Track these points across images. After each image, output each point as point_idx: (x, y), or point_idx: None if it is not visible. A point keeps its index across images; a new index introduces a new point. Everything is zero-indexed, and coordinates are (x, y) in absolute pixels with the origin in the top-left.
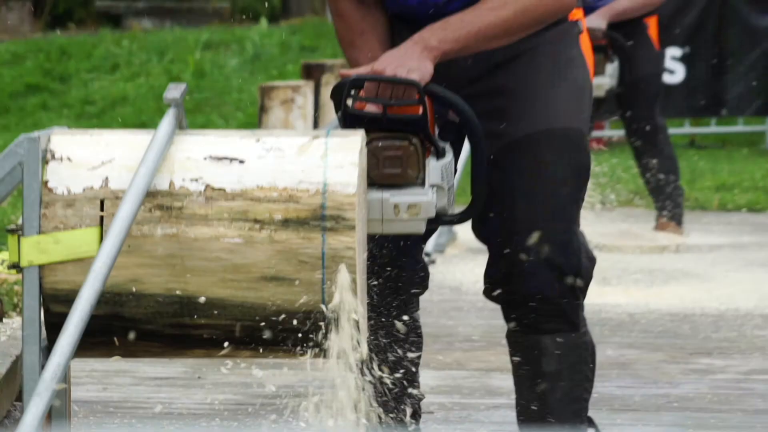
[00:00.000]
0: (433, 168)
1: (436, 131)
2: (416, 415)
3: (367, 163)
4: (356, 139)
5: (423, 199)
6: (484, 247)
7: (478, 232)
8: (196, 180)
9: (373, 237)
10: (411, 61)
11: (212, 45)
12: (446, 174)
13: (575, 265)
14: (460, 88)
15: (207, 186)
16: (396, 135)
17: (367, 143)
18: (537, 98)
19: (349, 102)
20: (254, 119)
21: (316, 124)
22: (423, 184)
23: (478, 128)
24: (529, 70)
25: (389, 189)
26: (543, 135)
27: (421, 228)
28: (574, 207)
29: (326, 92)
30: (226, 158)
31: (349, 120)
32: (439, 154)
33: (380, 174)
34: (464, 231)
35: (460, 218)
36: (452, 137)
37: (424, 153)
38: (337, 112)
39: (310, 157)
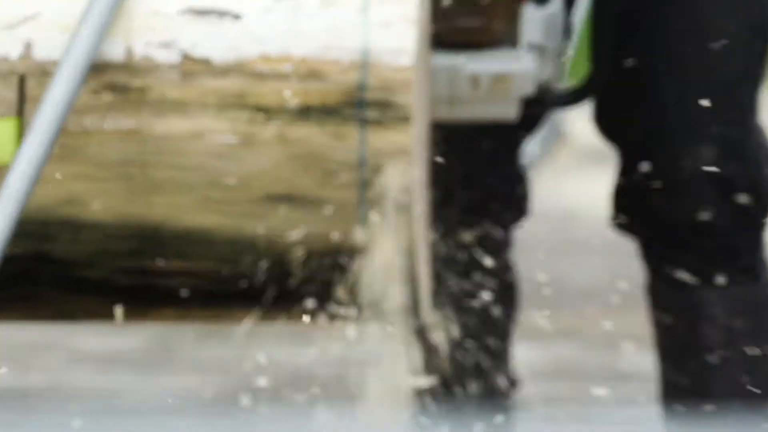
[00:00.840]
0: (533, 18)
1: None
2: (506, 411)
3: (430, 12)
4: None
5: (516, 66)
6: (609, 151)
7: (604, 124)
8: (167, 46)
9: (440, 129)
10: None
11: None
12: (552, 28)
13: (754, 176)
14: None
15: (184, 55)
16: None
17: None
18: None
19: None
20: None
21: None
22: (516, 42)
23: None
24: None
25: (464, 51)
26: None
27: (512, 112)
28: (751, 89)
29: None
30: (212, 12)
31: None
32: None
33: (450, 27)
34: (581, 125)
35: (573, 98)
36: None
37: None
38: None
39: (341, 8)
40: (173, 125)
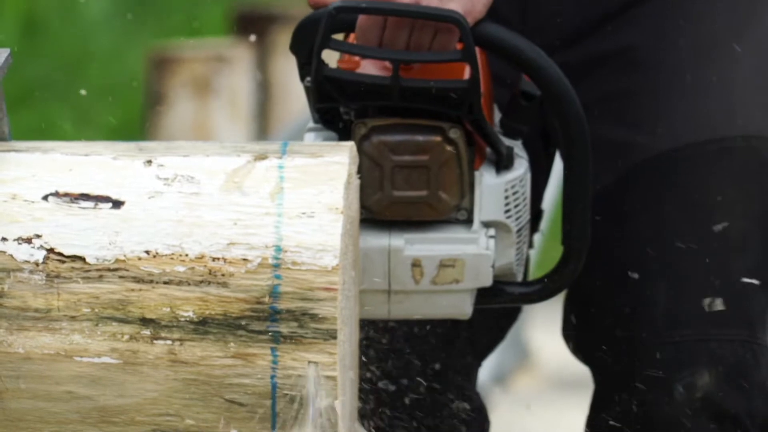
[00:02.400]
0: (490, 188)
1: (496, 119)
2: None
3: (363, 179)
4: (339, 157)
5: (469, 250)
6: (582, 375)
7: (577, 341)
8: (30, 241)
9: (373, 346)
10: None
11: None
12: (516, 202)
13: (757, 406)
14: (551, 52)
15: (50, 252)
16: (418, 123)
17: (363, 138)
18: (697, 79)
19: (326, 58)
20: (137, 117)
21: (261, 129)
22: (470, 220)
23: (578, 117)
24: (680, 22)
25: (405, 230)
26: (707, 149)
27: (464, 309)
28: (760, 293)
29: (276, 62)
30: (87, 198)
31: (325, 90)
32: (503, 162)
33: (388, 200)
34: (549, 341)
35: (541, 293)
36: (527, 131)
37: (473, 159)
38: (303, 78)
39: (248, 195)
40: (37, 343)
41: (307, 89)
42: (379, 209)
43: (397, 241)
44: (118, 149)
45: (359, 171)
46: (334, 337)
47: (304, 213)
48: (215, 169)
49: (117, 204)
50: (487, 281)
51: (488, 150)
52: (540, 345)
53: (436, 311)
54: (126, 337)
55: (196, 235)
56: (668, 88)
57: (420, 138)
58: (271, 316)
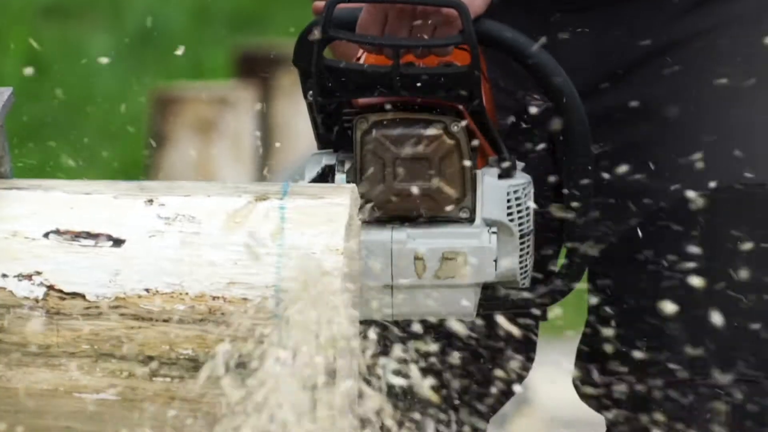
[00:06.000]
0: (493, 189)
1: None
2: None
3: (365, 173)
4: (340, 199)
5: (471, 243)
6: (583, 415)
7: (589, 387)
8: (30, 278)
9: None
10: None
11: (60, 10)
12: (518, 208)
13: None
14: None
15: (50, 288)
16: (420, 116)
17: (365, 132)
18: (718, 125)
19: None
20: (140, 157)
21: (263, 170)
22: (472, 219)
23: (578, 109)
24: (699, 72)
25: (407, 226)
26: (729, 196)
27: (467, 307)
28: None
29: (279, 105)
30: (87, 236)
31: (325, 82)
32: (505, 167)
33: (390, 193)
34: (551, 382)
35: (550, 294)
36: (531, 149)
37: (475, 157)
38: (305, 93)
39: (249, 235)
40: (36, 379)
41: (310, 105)
42: (382, 203)
43: (399, 235)
44: (120, 188)
45: (362, 164)
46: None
47: (306, 251)
48: (216, 209)
49: (118, 242)
50: (489, 276)
51: (491, 159)
52: (539, 385)
53: (440, 309)
54: (125, 374)
55: (196, 274)
56: (694, 134)
57: (421, 131)
58: (270, 356)
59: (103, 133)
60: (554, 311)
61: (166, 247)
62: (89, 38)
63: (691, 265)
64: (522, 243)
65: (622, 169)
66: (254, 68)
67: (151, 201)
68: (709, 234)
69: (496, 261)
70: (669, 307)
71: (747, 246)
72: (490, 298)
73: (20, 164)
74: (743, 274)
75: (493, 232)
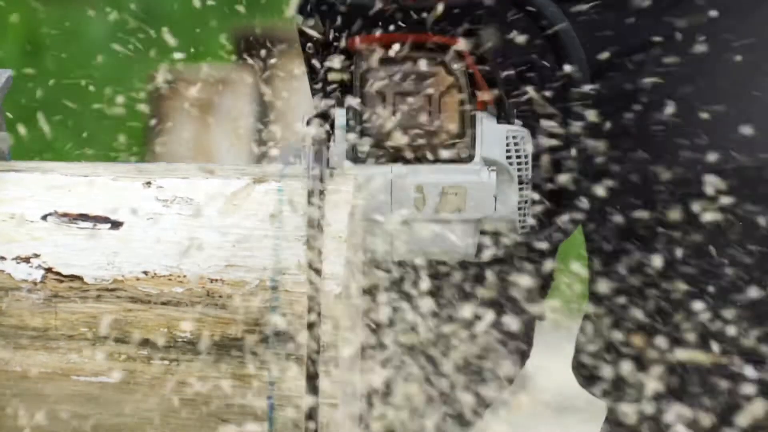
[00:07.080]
0: (492, 131)
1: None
2: None
3: (367, 111)
4: (344, 186)
5: (471, 178)
6: (581, 398)
7: (587, 371)
8: (28, 260)
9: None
10: None
11: None
12: (517, 153)
13: None
14: None
15: (48, 271)
16: (420, 54)
17: (366, 71)
18: (730, 107)
19: None
20: (138, 139)
21: (262, 152)
22: (471, 154)
23: (573, 42)
24: (704, 58)
25: (408, 163)
26: (746, 174)
27: (468, 246)
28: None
29: (278, 86)
30: (86, 218)
31: (322, 18)
32: (503, 113)
33: (391, 127)
34: (545, 362)
35: (551, 235)
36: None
37: (474, 98)
38: (307, 61)
39: (247, 216)
40: (34, 361)
41: (308, 58)
42: (383, 137)
43: (400, 169)
44: (118, 170)
45: (362, 101)
46: (336, 365)
47: (302, 236)
48: (214, 191)
49: (116, 225)
50: (489, 210)
51: (489, 107)
52: (537, 367)
53: (441, 246)
54: (123, 356)
55: (195, 257)
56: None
57: (422, 67)
58: (268, 338)
59: (102, 115)
60: (551, 303)
61: (164, 230)
62: (89, 19)
63: (701, 248)
64: (521, 187)
65: (632, 147)
66: (254, 49)
67: (149, 183)
68: (723, 213)
69: (495, 198)
70: (679, 288)
71: (762, 223)
72: (491, 244)
73: (19, 146)
74: (757, 253)
75: (492, 170)
